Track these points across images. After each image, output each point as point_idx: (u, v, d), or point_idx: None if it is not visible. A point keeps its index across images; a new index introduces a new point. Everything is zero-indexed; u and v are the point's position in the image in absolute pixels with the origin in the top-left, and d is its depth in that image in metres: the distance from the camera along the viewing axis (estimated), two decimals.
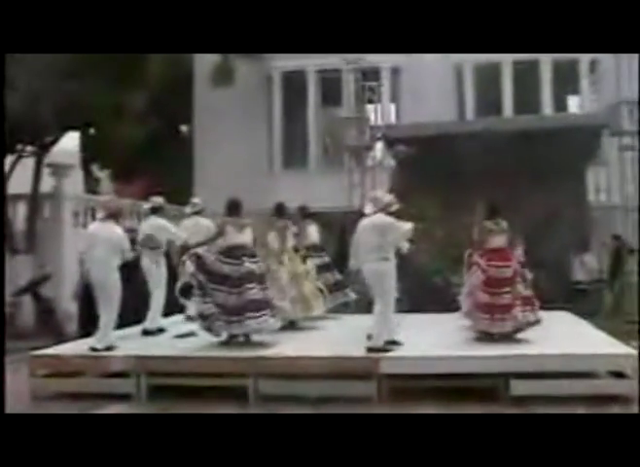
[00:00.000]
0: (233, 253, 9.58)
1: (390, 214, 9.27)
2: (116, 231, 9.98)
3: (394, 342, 9.15)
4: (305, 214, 12.31)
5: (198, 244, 9.79)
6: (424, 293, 11.31)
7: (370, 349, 8.89)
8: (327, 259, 12.36)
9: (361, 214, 9.76)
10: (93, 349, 9.54)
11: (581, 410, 7.63)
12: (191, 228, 11.24)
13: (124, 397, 8.87)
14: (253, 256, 9.72)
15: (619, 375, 8.43)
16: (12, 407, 8.22)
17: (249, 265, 9.54)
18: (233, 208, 9.96)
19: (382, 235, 9.08)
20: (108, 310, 9.74)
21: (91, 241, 9.87)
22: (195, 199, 11.92)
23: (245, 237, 9.78)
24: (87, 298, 13.67)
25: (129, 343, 10.15)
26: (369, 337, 9.10)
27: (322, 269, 11.97)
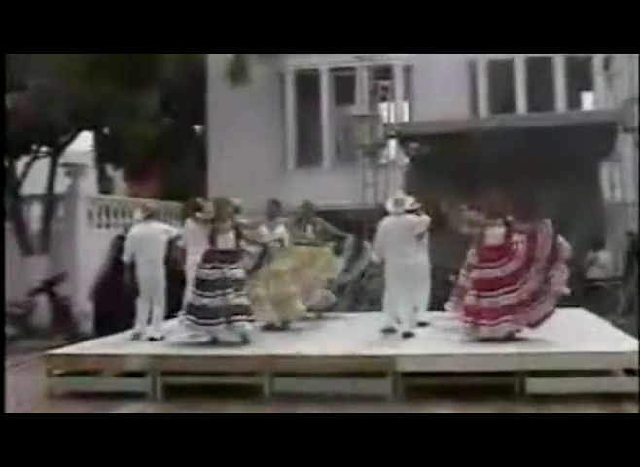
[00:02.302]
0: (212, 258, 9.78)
1: (409, 212, 10.20)
2: (157, 228, 10.67)
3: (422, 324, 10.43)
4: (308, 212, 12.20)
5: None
6: (441, 290, 11.28)
7: (405, 334, 9.74)
8: None
9: (384, 212, 10.36)
10: (151, 339, 10.23)
11: (596, 407, 7.62)
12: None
13: (139, 396, 8.90)
14: (232, 261, 9.75)
15: (634, 372, 8.39)
16: (26, 405, 8.30)
17: (226, 271, 9.65)
18: (222, 209, 10.03)
19: (413, 232, 10.12)
20: (159, 303, 10.51)
21: (139, 243, 10.47)
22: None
23: (228, 242, 9.84)
24: (102, 297, 13.78)
25: (145, 342, 10.22)
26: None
27: None
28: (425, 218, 10.32)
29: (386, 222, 10.23)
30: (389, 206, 10.25)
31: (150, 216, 10.76)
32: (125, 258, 10.61)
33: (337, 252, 12.01)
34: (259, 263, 10.31)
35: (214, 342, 9.63)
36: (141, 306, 10.47)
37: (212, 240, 9.84)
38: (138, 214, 10.97)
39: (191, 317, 9.57)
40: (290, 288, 10.80)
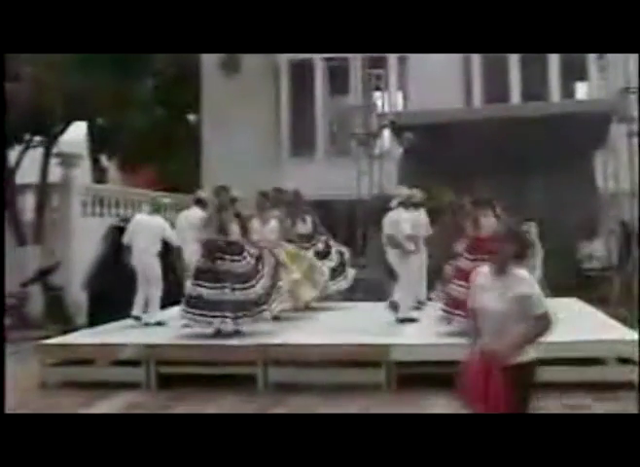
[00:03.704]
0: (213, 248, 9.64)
1: (415, 205, 10.76)
2: (157, 223, 11.06)
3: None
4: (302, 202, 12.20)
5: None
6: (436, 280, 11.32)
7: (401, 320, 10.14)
8: (320, 247, 12.21)
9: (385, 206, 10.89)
10: (147, 324, 10.67)
11: (589, 397, 7.65)
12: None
13: (133, 385, 8.90)
14: (237, 253, 9.62)
15: (626, 361, 8.42)
16: (21, 396, 8.29)
17: (227, 263, 9.51)
18: (225, 197, 9.90)
19: (396, 227, 10.27)
20: (154, 290, 10.83)
21: (136, 233, 10.93)
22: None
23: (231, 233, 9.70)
24: (96, 287, 13.78)
25: (139, 332, 10.23)
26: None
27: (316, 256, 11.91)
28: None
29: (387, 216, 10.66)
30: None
31: (156, 211, 11.33)
32: (124, 240, 11.01)
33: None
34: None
35: (217, 334, 9.47)
36: (139, 290, 10.83)
37: (221, 230, 9.62)
38: (146, 207, 11.73)
39: (189, 309, 9.46)
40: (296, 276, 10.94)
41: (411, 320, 10.17)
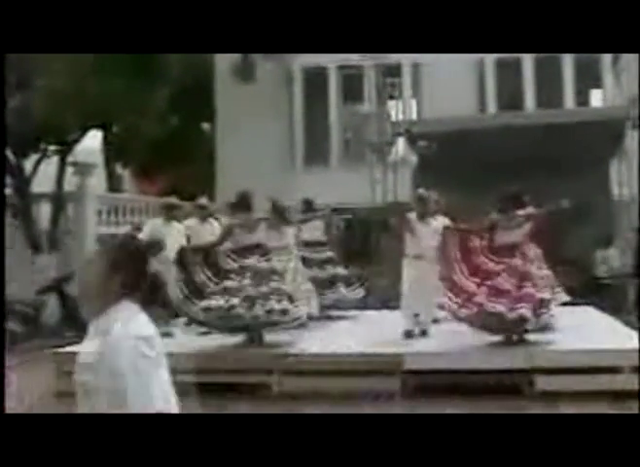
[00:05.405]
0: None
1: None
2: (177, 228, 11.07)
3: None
4: (310, 209, 12.15)
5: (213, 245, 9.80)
6: None
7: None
8: (329, 254, 12.24)
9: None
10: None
11: (605, 405, 7.61)
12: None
13: None
14: (265, 254, 9.53)
15: None
16: (36, 403, 8.32)
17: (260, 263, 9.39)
18: (244, 203, 9.85)
19: None
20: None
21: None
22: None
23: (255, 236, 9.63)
24: None
25: None
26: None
27: (324, 263, 11.98)
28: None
29: None
30: None
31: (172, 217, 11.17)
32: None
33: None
34: None
35: (248, 343, 9.44)
36: None
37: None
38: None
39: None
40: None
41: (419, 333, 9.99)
